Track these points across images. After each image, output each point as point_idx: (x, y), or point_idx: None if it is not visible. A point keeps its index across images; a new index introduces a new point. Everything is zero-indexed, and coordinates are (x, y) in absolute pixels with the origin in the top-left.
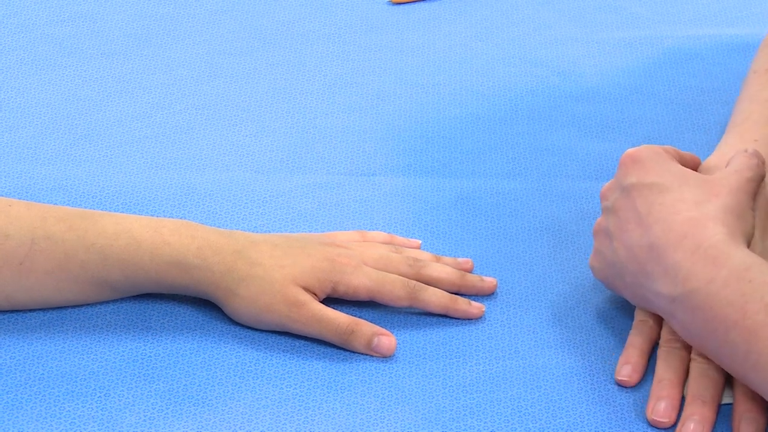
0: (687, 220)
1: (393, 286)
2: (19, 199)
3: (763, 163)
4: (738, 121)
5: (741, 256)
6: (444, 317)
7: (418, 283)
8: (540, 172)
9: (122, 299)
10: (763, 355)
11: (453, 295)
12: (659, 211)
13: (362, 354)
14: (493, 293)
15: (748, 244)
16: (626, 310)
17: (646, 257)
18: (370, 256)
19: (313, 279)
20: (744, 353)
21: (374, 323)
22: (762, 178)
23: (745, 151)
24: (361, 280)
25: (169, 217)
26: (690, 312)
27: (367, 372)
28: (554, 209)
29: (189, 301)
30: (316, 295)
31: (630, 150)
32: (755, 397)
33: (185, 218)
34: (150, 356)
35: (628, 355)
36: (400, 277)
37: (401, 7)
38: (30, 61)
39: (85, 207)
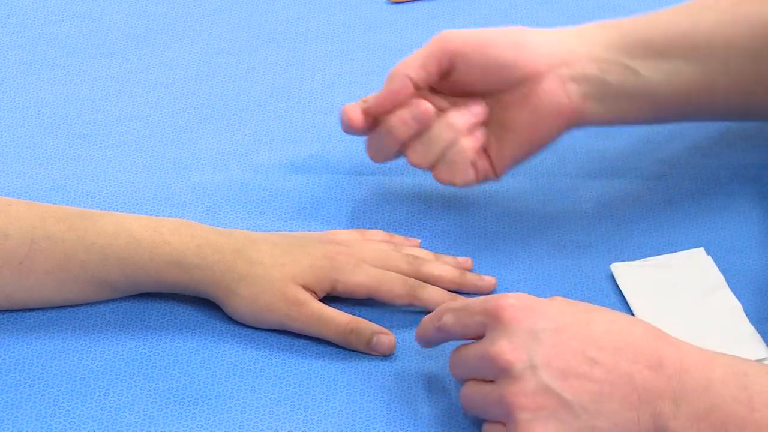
0: (635, 371)
1: (392, 284)
2: (19, 199)
3: None
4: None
5: (715, 356)
6: None
7: (418, 281)
8: (539, 171)
9: (122, 299)
10: None
11: (452, 293)
12: (600, 364)
13: (362, 353)
14: (492, 292)
15: None
16: (624, 308)
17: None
18: (369, 255)
19: (312, 278)
20: None
21: (374, 322)
22: None
23: None
24: (360, 278)
25: (168, 216)
26: (696, 422)
27: (367, 371)
28: (554, 208)
29: (189, 301)
30: (315, 293)
31: (500, 305)
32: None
33: (185, 218)
34: (149, 356)
35: None
36: (400, 275)
37: (400, 6)
38: (30, 61)
39: (85, 207)
